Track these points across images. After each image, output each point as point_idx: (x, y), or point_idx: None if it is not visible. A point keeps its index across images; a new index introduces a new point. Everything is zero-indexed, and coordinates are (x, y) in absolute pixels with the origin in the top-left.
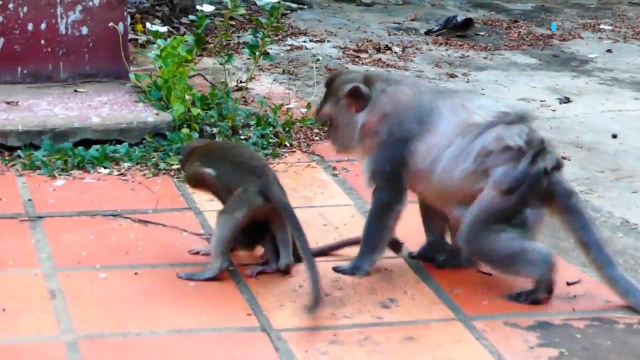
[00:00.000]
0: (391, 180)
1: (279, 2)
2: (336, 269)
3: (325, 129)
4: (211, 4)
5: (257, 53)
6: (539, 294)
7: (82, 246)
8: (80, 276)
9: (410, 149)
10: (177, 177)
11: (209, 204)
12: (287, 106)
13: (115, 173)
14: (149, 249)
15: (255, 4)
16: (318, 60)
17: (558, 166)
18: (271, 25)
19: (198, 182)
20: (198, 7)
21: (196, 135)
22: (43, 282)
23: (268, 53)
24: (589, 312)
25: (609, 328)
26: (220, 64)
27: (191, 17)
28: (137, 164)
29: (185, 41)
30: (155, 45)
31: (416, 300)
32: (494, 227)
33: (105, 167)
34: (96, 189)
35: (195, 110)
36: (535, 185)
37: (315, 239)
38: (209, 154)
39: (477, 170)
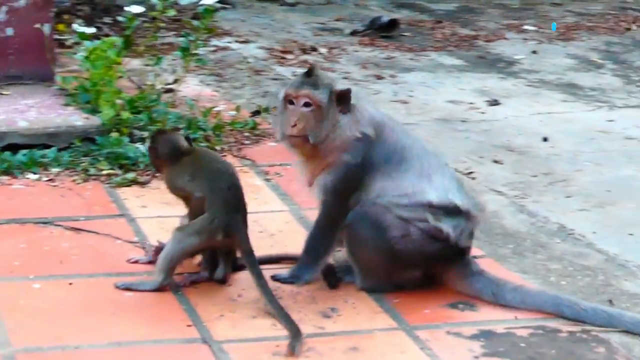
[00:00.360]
0: (344, 197)
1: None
2: (275, 278)
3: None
4: (136, 4)
5: (189, 56)
6: None
7: (14, 255)
8: (13, 287)
9: (368, 181)
10: (107, 183)
11: (141, 211)
12: (216, 109)
13: (44, 179)
14: (83, 258)
15: (177, 3)
16: (249, 62)
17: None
18: (205, 27)
19: (178, 191)
20: (126, 8)
21: (126, 139)
22: None
23: (199, 55)
24: (532, 320)
25: (552, 337)
26: (149, 66)
27: (119, 18)
28: (66, 169)
29: (114, 44)
30: (82, 47)
31: (357, 310)
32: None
33: (34, 173)
34: (25, 195)
35: (125, 114)
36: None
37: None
38: (197, 168)
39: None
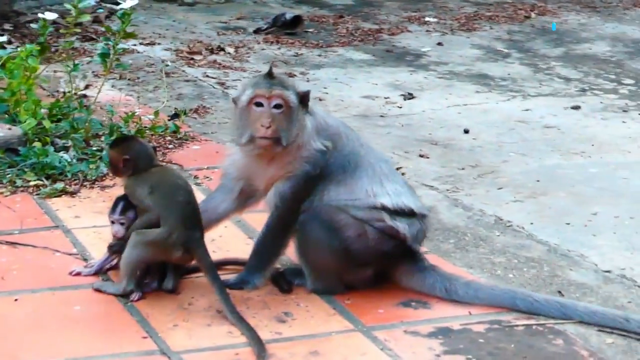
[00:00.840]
0: (298, 203)
1: (131, 8)
2: (224, 283)
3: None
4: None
5: (109, 61)
6: None
7: None
8: None
9: (322, 188)
10: (36, 194)
11: (75, 221)
12: (134, 112)
13: None
14: (24, 273)
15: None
16: (167, 65)
17: None
18: (124, 31)
19: (135, 201)
20: (40, 15)
21: (51, 149)
22: None
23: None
24: (486, 314)
25: (509, 331)
26: (58, 72)
27: (32, 24)
28: None
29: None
30: None
31: (311, 313)
32: None
33: None
34: None
35: (47, 123)
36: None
37: None
38: (157, 182)
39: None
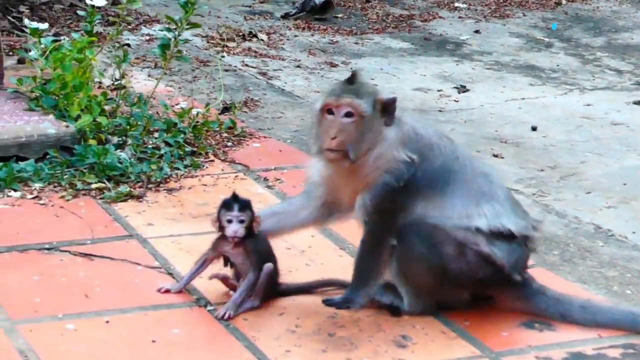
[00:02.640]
0: (387, 216)
1: None
2: (328, 302)
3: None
4: None
5: (169, 53)
6: None
7: (31, 290)
8: (45, 329)
9: (409, 204)
10: (100, 198)
11: (149, 230)
12: (178, 106)
13: (29, 196)
14: (108, 290)
15: None
16: (223, 57)
17: None
18: (186, 19)
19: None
20: (88, 1)
21: (112, 148)
22: (6, 340)
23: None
24: (617, 338)
25: None
26: (112, 62)
27: (80, 12)
28: (49, 183)
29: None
30: (36, 45)
31: (431, 336)
32: None
33: (14, 190)
34: (14, 217)
35: (104, 120)
36: None
37: (287, 266)
38: None
39: None
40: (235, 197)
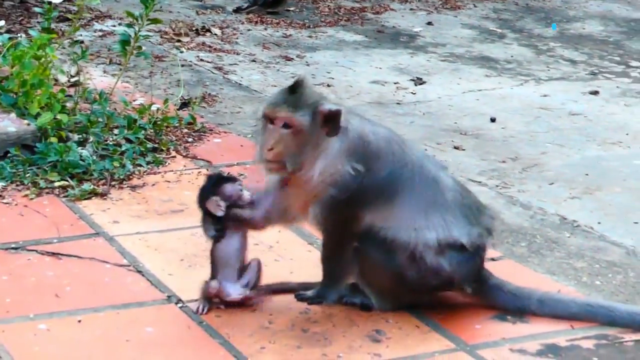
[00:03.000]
0: (340, 223)
1: None
2: (299, 297)
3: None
4: None
5: (129, 49)
6: None
7: (1, 291)
8: (17, 330)
9: (360, 214)
10: (64, 197)
11: (115, 227)
12: (135, 102)
13: None
14: (78, 289)
15: None
16: (182, 52)
17: None
18: (147, 15)
19: None
20: None
21: (74, 145)
22: None
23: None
24: (590, 328)
25: (620, 347)
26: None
27: (37, 9)
28: (11, 182)
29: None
30: None
31: (405, 330)
32: None
33: None
34: None
35: (64, 117)
36: None
37: None
38: None
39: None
40: (219, 179)
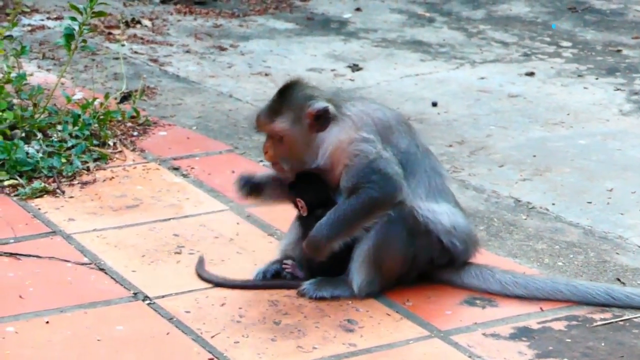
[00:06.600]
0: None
1: None
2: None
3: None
4: None
5: (74, 43)
6: None
7: None
8: None
9: None
10: (15, 195)
11: (71, 225)
12: (75, 97)
13: None
14: (42, 289)
15: None
16: (123, 45)
17: None
18: (90, 10)
19: None
20: None
21: (21, 143)
22: None
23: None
24: (559, 309)
25: (591, 328)
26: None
27: None
28: None
29: None
30: None
31: (376, 318)
32: None
33: None
34: None
35: (10, 115)
36: None
37: (219, 255)
38: None
39: None
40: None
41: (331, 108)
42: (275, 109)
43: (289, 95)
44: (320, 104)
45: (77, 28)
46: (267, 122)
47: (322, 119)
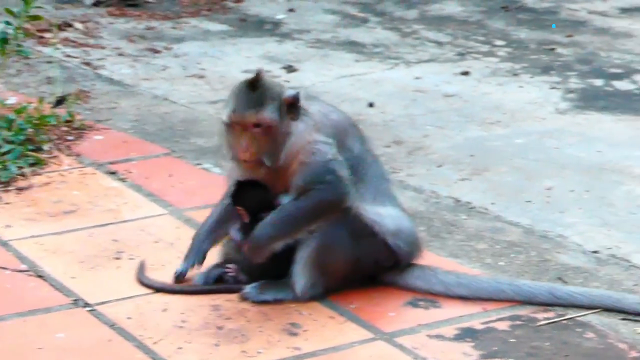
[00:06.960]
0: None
1: None
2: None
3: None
4: None
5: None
6: None
7: None
8: None
9: None
10: None
11: (9, 232)
12: (8, 102)
13: None
14: None
15: None
16: (58, 49)
17: None
18: (25, 14)
19: None
20: None
21: None
22: None
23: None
24: (501, 310)
25: (535, 327)
26: None
27: None
28: None
29: None
30: None
31: (320, 322)
32: None
33: None
34: None
35: None
36: None
37: (159, 260)
38: None
39: None
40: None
41: (301, 95)
42: (255, 100)
43: (261, 87)
44: (292, 91)
45: (11, 32)
46: (257, 113)
47: (294, 107)
